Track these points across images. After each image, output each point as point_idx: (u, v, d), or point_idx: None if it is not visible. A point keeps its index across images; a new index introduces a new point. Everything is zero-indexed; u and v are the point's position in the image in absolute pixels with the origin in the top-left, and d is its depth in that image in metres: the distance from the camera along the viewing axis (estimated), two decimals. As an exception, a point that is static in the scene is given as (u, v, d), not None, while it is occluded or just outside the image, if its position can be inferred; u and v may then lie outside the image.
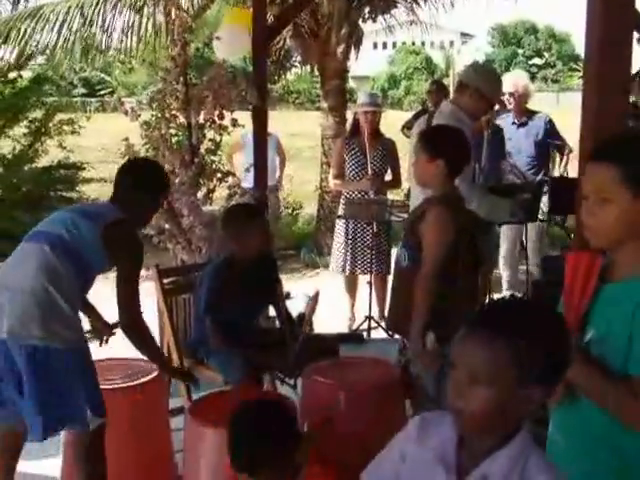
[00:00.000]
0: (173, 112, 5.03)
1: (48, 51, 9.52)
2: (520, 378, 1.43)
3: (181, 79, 5.05)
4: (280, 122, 11.34)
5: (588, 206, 1.74)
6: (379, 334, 5.68)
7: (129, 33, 8.28)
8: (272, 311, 4.23)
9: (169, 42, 5.25)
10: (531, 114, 6.29)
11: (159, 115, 4.99)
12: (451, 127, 3.53)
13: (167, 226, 4.92)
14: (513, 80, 6.27)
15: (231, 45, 5.54)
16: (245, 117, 5.31)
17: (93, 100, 31.05)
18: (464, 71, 4.42)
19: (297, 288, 6.15)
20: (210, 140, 5.10)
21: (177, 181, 4.89)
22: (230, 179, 5.25)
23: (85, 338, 2.92)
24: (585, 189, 1.76)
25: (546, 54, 53.78)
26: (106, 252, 2.85)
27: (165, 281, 3.93)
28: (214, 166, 5.21)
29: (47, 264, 2.77)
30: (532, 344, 1.42)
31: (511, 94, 6.15)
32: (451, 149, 3.17)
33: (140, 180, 3.07)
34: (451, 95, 5.83)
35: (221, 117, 5.04)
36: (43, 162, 9.68)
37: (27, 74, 10.17)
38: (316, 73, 9.60)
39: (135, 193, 3.03)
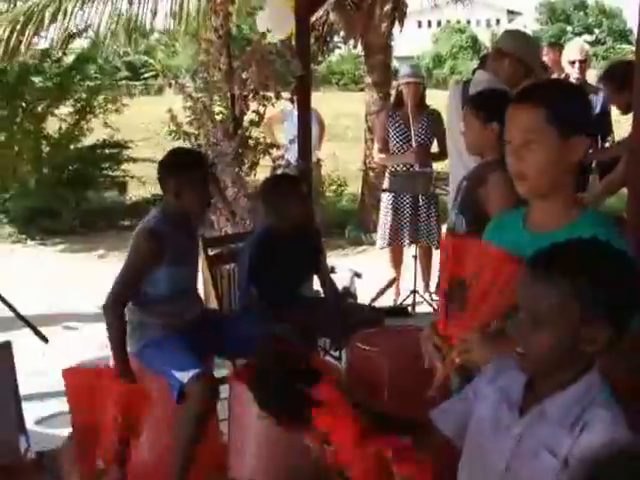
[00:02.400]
0: (216, 84, 5.01)
1: (92, 33, 9.59)
2: (583, 318, 1.39)
3: (224, 50, 5.03)
4: (324, 103, 11.28)
5: (514, 150, 1.75)
6: (424, 308, 5.62)
7: (173, 12, 8.24)
8: (317, 283, 4.19)
9: (211, 13, 5.22)
10: (589, 87, 6.02)
11: (202, 87, 4.98)
12: (497, 89, 3.43)
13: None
14: (579, 47, 5.99)
15: (274, 19, 5.47)
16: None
17: (137, 83, 31.25)
18: (501, 38, 4.28)
19: (341, 265, 6.10)
20: (253, 112, 5.08)
21: (221, 153, 4.88)
22: (274, 151, 5.23)
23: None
24: (509, 134, 1.77)
25: (596, 30, 52.36)
26: None
27: (210, 251, 3.93)
28: (258, 139, 5.20)
29: None
30: (593, 281, 1.38)
31: (581, 62, 5.81)
32: (504, 111, 3.09)
33: (159, 170, 3.16)
34: None
35: (265, 88, 5.01)
36: (88, 141, 9.77)
37: (72, 58, 10.22)
38: (359, 53, 9.47)
39: (161, 185, 3.15)
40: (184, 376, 2.93)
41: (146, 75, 34.33)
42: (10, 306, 3.09)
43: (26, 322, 3.08)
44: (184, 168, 3.09)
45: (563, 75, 5.92)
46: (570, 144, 1.72)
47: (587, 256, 1.42)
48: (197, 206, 3.17)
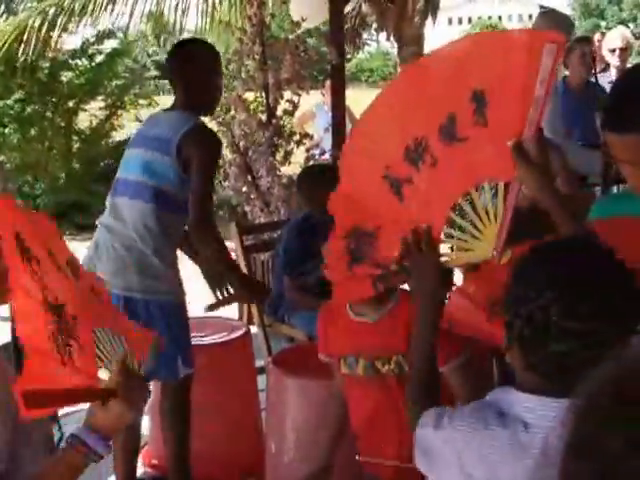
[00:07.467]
0: (250, 72, 4.93)
1: (122, 34, 9.59)
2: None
3: (258, 39, 4.95)
4: (353, 101, 11.14)
5: (630, 172, 1.53)
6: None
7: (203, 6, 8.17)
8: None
9: (245, 1, 5.14)
10: None
11: (235, 75, 4.91)
12: None
13: (244, 189, 4.84)
14: (620, 34, 5.74)
15: (307, 6, 5.38)
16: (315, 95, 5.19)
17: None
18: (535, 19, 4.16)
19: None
20: (287, 101, 5.00)
21: (254, 142, 4.80)
22: (307, 141, 5.14)
23: (180, 291, 2.81)
24: (620, 157, 1.52)
25: (631, 25, 51.38)
26: (181, 169, 2.68)
27: (245, 239, 3.85)
28: (292, 129, 5.12)
29: (133, 218, 2.70)
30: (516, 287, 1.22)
31: (622, 49, 5.54)
32: None
33: (188, 56, 2.83)
34: None
35: (299, 78, 4.91)
36: (119, 136, 9.76)
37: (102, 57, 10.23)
38: (388, 50, 9.34)
39: (189, 74, 2.77)
40: (181, 371, 2.78)
41: (175, 74, 34.54)
42: None
43: None
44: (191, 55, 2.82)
45: (603, 66, 5.72)
46: None
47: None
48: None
